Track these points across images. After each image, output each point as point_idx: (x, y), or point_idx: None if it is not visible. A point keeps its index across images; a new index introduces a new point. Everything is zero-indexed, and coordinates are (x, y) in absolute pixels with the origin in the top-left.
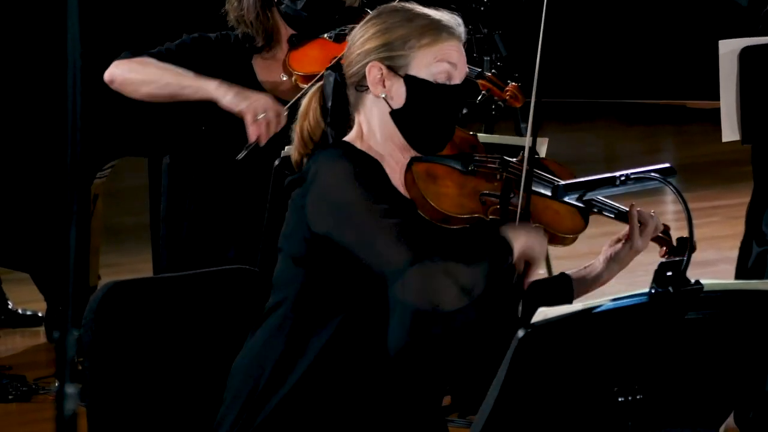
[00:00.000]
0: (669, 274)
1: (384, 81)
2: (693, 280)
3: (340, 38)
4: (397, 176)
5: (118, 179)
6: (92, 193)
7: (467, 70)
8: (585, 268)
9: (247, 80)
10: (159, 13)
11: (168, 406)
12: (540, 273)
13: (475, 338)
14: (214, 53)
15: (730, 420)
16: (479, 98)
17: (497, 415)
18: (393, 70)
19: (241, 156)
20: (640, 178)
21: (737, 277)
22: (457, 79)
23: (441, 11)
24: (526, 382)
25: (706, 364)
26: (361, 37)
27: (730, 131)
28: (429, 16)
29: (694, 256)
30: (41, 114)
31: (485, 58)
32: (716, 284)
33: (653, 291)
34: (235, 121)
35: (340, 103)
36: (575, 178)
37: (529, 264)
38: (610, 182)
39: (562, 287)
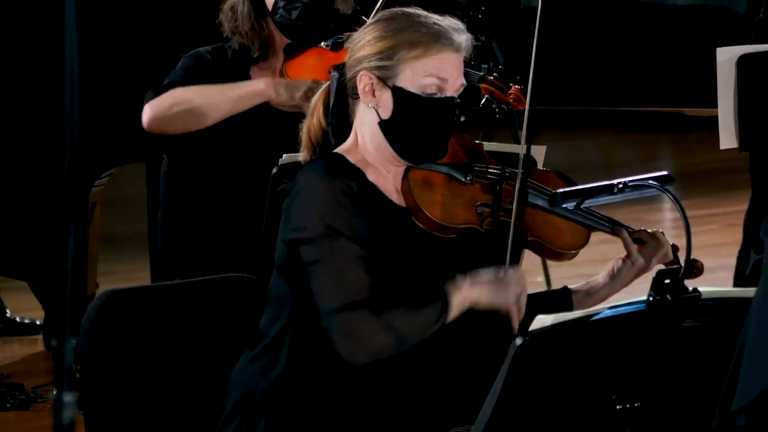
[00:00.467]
0: (667, 281)
1: (374, 91)
2: (691, 288)
3: (337, 47)
4: (390, 185)
5: (116, 187)
6: (90, 201)
7: (462, 81)
8: (587, 282)
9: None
10: (158, 21)
11: (166, 414)
12: (537, 280)
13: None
14: (212, 67)
15: None
16: (481, 102)
17: (495, 423)
18: (382, 80)
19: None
20: (637, 186)
21: (735, 284)
22: (449, 92)
23: (443, 19)
24: (524, 389)
25: (704, 372)
26: (358, 43)
27: (727, 139)
28: (424, 26)
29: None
30: (39, 122)
31: (483, 66)
32: (714, 292)
33: (651, 299)
34: (233, 128)
35: (341, 103)
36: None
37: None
38: (608, 190)
39: (562, 301)
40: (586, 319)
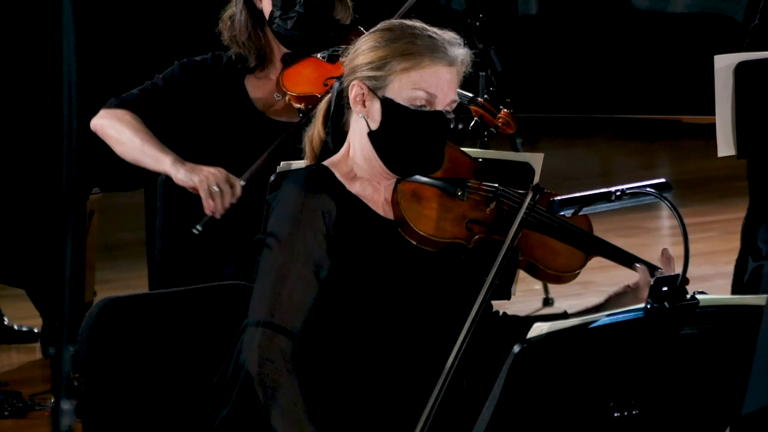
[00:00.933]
0: (665, 289)
1: (364, 101)
2: (689, 295)
3: (334, 59)
4: (379, 197)
5: (113, 195)
6: (88, 209)
7: (454, 98)
8: (587, 309)
9: (239, 100)
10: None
11: (164, 421)
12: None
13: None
14: (204, 76)
15: None
16: (471, 124)
17: (493, 431)
18: (372, 90)
19: (197, 229)
20: (635, 194)
21: (733, 292)
22: (439, 106)
23: (442, 32)
24: (522, 397)
25: (702, 379)
26: (354, 52)
27: (725, 146)
28: (419, 38)
29: (690, 271)
30: (37, 130)
31: (481, 74)
32: (712, 299)
33: (649, 306)
34: (231, 136)
35: (338, 113)
36: (585, 219)
37: None
38: (606, 197)
39: None
40: (583, 326)
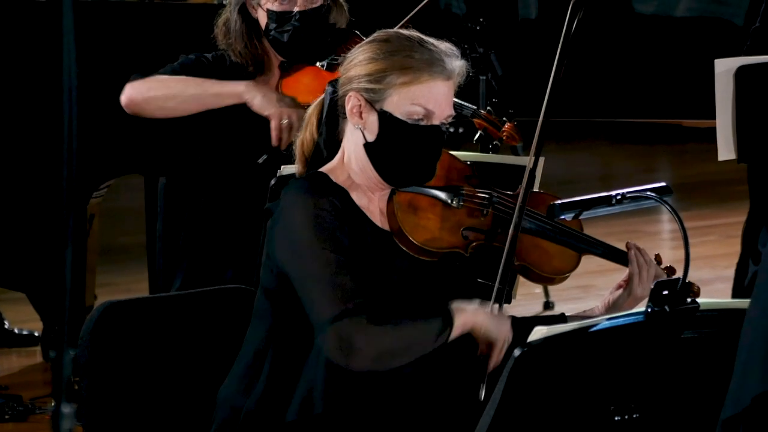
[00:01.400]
0: (665, 293)
1: (361, 112)
2: (689, 299)
3: (332, 67)
4: (375, 207)
5: (114, 199)
6: (88, 212)
7: (450, 112)
8: (584, 312)
9: (242, 104)
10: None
11: (164, 425)
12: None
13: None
14: (212, 70)
15: None
16: (476, 137)
17: None
18: (370, 102)
19: (261, 160)
20: (635, 197)
21: (734, 296)
22: (436, 121)
23: (439, 43)
24: (523, 400)
25: (703, 383)
26: (350, 62)
27: (726, 150)
28: (417, 51)
29: (690, 275)
30: (38, 133)
31: (481, 78)
32: (712, 303)
33: (649, 310)
34: (232, 140)
35: (332, 120)
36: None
37: (492, 346)
38: (606, 201)
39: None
40: (584, 330)
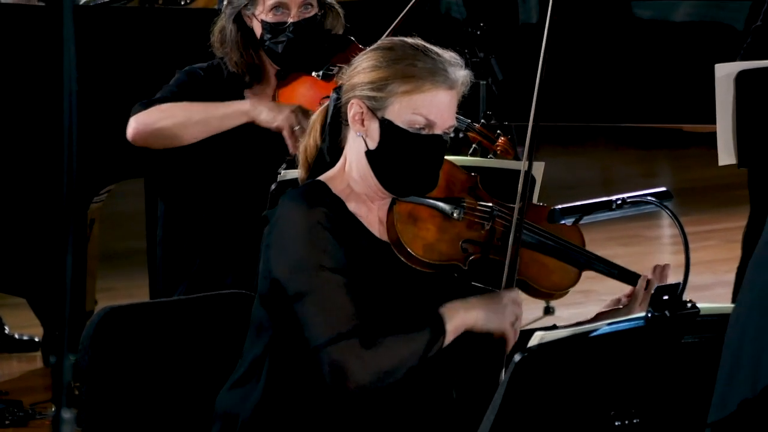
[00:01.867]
0: (665, 298)
1: (363, 120)
2: (689, 304)
3: (328, 77)
4: (374, 216)
5: (114, 204)
6: (89, 217)
7: (452, 122)
8: (579, 323)
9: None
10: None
11: (165, 430)
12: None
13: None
14: (208, 84)
15: None
16: (470, 151)
17: None
18: (372, 110)
19: (281, 170)
20: (636, 202)
21: (734, 301)
22: (438, 130)
23: (443, 52)
24: (523, 405)
25: (703, 388)
26: (354, 69)
27: (726, 155)
28: (420, 60)
29: (691, 280)
30: (38, 137)
31: (481, 82)
32: (713, 308)
33: (650, 315)
34: (231, 146)
35: (335, 126)
36: (576, 229)
37: (504, 338)
38: (607, 206)
39: None
40: (584, 335)
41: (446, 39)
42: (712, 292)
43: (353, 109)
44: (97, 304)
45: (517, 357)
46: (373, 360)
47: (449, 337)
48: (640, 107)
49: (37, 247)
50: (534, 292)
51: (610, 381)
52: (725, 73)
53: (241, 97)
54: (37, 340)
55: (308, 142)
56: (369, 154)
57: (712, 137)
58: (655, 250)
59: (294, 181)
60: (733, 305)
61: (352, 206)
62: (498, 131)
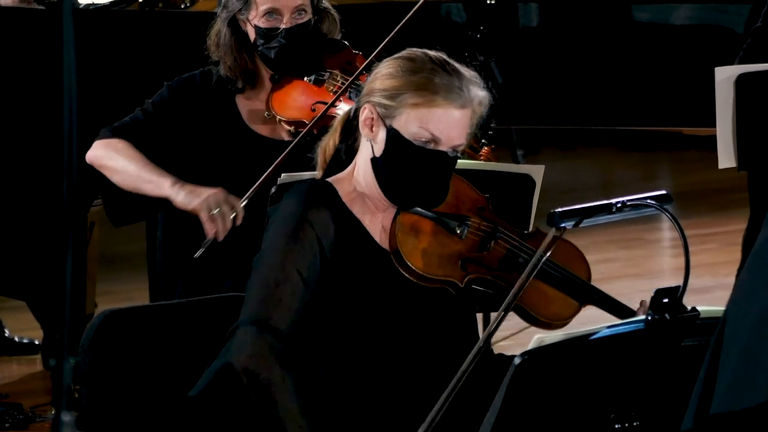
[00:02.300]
0: (665, 300)
1: (372, 125)
2: (689, 307)
3: (320, 83)
4: (377, 222)
5: None
6: (89, 220)
7: (462, 141)
8: None
9: (231, 118)
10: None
11: None
12: None
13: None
14: (194, 95)
15: None
16: None
17: None
18: (382, 117)
19: (198, 254)
20: (636, 205)
21: None
22: (443, 147)
23: (461, 70)
24: (523, 408)
25: None
26: (375, 74)
27: (726, 158)
28: (437, 74)
29: (691, 283)
30: (38, 141)
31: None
32: (713, 311)
33: (650, 318)
34: (233, 150)
35: (354, 126)
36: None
37: None
38: (607, 209)
39: None
40: (584, 338)
41: (446, 42)
42: (712, 295)
43: (365, 114)
44: (97, 307)
45: (516, 360)
46: (271, 375)
47: None
48: (640, 110)
49: (37, 250)
50: (532, 320)
51: (610, 384)
52: (725, 76)
53: (233, 103)
54: (37, 343)
55: (328, 142)
56: (374, 161)
57: (712, 140)
58: (655, 253)
59: (293, 185)
60: None
61: (356, 210)
62: (483, 140)
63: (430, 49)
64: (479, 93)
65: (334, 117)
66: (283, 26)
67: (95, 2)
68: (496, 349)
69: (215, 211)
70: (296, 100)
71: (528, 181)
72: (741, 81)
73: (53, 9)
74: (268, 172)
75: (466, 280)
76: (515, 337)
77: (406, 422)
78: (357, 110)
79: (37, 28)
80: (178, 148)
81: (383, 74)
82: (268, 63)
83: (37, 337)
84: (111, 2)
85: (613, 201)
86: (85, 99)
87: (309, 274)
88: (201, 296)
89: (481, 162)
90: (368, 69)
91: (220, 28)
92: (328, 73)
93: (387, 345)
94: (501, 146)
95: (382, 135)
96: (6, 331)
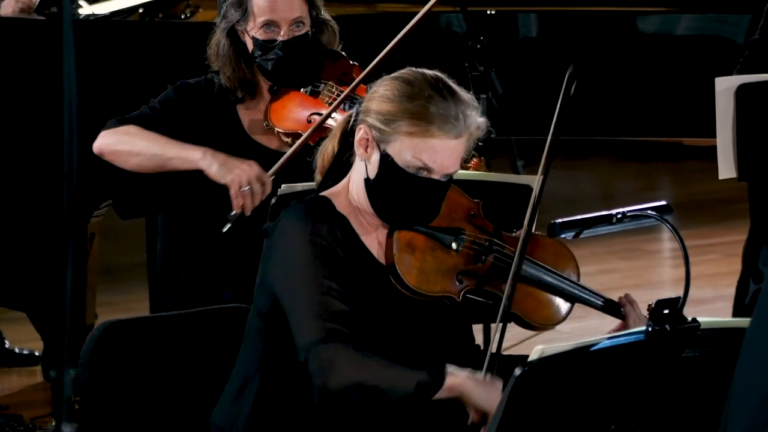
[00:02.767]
0: (666, 312)
1: (367, 146)
2: (690, 318)
3: (315, 94)
4: (373, 237)
5: (114, 218)
6: (89, 231)
7: (456, 169)
8: None
9: (232, 127)
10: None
11: None
12: None
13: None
14: (199, 100)
15: None
16: None
17: None
18: (376, 141)
19: (225, 228)
20: (636, 216)
21: (734, 314)
22: (437, 176)
23: (461, 96)
24: (524, 420)
25: (704, 403)
26: (373, 92)
27: (726, 168)
28: (432, 103)
29: (691, 294)
30: (38, 151)
31: (482, 96)
32: (713, 322)
33: (650, 329)
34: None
35: (351, 138)
36: (571, 258)
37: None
38: (607, 220)
39: None
40: (584, 349)
41: (446, 53)
42: (712, 306)
43: (360, 134)
44: (97, 318)
45: (517, 371)
46: (364, 365)
47: (442, 394)
48: (640, 121)
49: (37, 261)
50: (525, 325)
51: (611, 395)
52: (725, 86)
53: (233, 113)
54: (37, 354)
55: (327, 148)
56: (367, 182)
57: (713, 151)
58: (656, 264)
59: (294, 195)
60: (733, 319)
61: (353, 223)
62: (473, 151)
63: (430, 67)
64: (476, 120)
65: (329, 129)
66: (280, 38)
67: (95, 13)
68: None
69: (246, 188)
70: (293, 112)
71: (528, 191)
72: (741, 91)
73: (53, 19)
74: (298, 142)
75: (462, 293)
76: (516, 348)
77: (409, 426)
78: (356, 119)
79: (37, 39)
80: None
81: (380, 95)
82: (265, 74)
83: (37, 348)
84: (111, 13)
85: (613, 212)
86: (85, 110)
87: (337, 276)
88: (201, 305)
89: (482, 173)
90: (365, 81)
91: (219, 38)
92: (323, 85)
93: (385, 357)
94: (503, 153)
95: (375, 158)
96: (6, 342)
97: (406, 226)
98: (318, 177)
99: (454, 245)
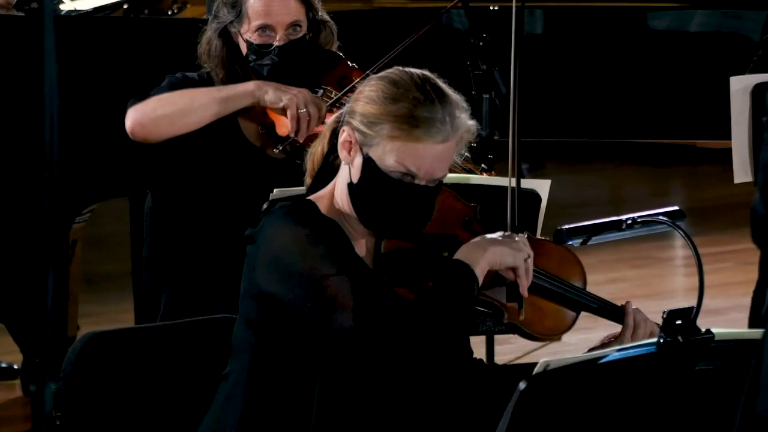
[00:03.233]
0: (678, 322)
1: (350, 149)
2: (703, 329)
3: None
4: (361, 242)
5: (98, 224)
6: (71, 238)
7: (442, 174)
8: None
9: (229, 125)
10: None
11: None
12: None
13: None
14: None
15: None
16: None
17: None
18: (359, 144)
19: (278, 150)
20: (647, 222)
21: (750, 325)
22: (421, 181)
23: (450, 97)
24: None
25: (718, 418)
26: (359, 93)
27: (742, 172)
28: (417, 106)
29: (705, 304)
30: (17, 154)
31: (484, 96)
32: (728, 333)
33: (662, 340)
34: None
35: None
36: (577, 264)
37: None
38: (616, 226)
39: None
40: (593, 361)
41: (448, 51)
42: (727, 317)
43: (344, 136)
44: (80, 330)
45: (521, 385)
46: (411, 312)
47: (482, 279)
48: (651, 122)
49: (16, 269)
50: (527, 336)
51: (620, 411)
52: (741, 86)
53: (230, 114)
54: (16, 367)
55: (316, 149)
56: (350, 186)
57: (727, 153)
58: (668, 272)
59: (286, 200)
60: (749, 330)
61: (341, 228)
62: (483, 165)
63: (430, 66)
64: (466, 122)
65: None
66: (276, 43)
67: (78, 9)
68: None
69: (302, 111)
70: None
71: (533, 196)
72: (757, 91)
73: (34, 16)
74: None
75: None
76: (520, 360)
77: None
78: (342, 120)
79: (16, 36)
80: (182, 144)
81: (365, 96)
82: (260, 79)
83: (16, 361)
84: (94, 9)
85: (623, 217)
86: (67, 111)
87: (338, 266)
88: (189, 315)
89: (485, 177)
90: None
91: (210, 37)
92: (322, 90)
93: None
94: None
95: (358, 161)
96: None
97: (392, 235)
98: (308, 180)
99: (445, 255)
